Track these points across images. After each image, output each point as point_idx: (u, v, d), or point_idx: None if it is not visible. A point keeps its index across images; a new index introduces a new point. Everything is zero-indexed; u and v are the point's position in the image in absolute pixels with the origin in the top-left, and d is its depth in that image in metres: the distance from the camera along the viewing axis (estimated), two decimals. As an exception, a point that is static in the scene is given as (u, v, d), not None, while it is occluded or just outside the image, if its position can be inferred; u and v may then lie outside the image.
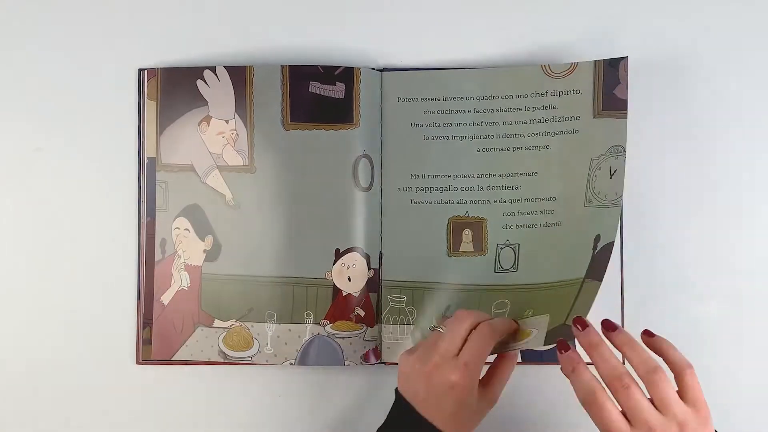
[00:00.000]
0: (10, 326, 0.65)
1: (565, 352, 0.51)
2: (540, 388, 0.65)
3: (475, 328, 0.54)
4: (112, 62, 0.65)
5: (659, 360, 0.50)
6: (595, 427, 0.49)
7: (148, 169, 0.64)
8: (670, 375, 0.49)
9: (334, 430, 0.65)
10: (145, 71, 0.64)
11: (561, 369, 0.51)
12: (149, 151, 0.64)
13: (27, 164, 0.65)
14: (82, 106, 0.66)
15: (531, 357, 0.64)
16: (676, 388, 0.49)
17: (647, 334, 0.52)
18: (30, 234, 0.65)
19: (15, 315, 0.65)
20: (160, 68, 0.64)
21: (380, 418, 0.64)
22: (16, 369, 0.65)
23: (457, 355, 0.53)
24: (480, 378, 0.54)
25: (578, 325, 0.52)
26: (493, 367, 0.57)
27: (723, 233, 0.65)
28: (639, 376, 0.49)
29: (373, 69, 0.65)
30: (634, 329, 0.63)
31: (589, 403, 0.48)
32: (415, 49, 0.66)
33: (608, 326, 0.52)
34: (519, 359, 0.62)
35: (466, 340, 0.53)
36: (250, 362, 0.63)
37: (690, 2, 0.65)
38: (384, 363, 0.64)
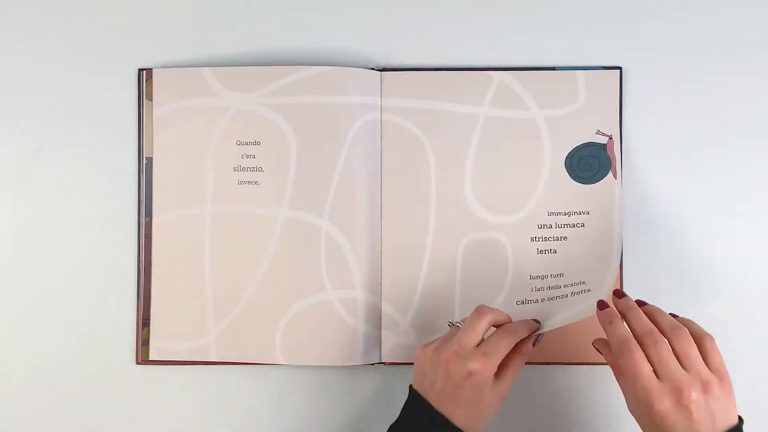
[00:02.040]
0: (9, 326, 0.65)
1: (603, 309, 0.55)
2: (544, 388, 0.65)
3: (495, 325, 0.57)
4: (112, 62, 0.65)
5: None
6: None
7: (147, 169, 0.64)
8: None
9: (334, 430, 0.65)
10: (145, 71, 0.64)
11: (599, 321, 0.55)
12: (148, 152, 0.64)
13: (27, 164, 0.65)
14: (82, 106, 0.65)
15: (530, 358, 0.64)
16: None
17: (673, 315, 0.56)
18: (29, 234, 0.65)
19: (15, 315, 0.65)
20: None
21: (380, 418, 0.64)
22: (15, 369, 0.65)
23: (476, 347, 0.54)
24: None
25: (616, 296, 0.57)
26: (506, 360, 0.56)
27: (723, 234, 0.65)
28: (663, 333, 0.52)
29: (373, 69, 0.65)
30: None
31: (621, 352, 0.52)
32: (416, 49, 0.66)
33: (639, 302, 0.56)
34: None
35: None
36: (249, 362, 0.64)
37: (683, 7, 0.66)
38: (384, 363, 0.64)
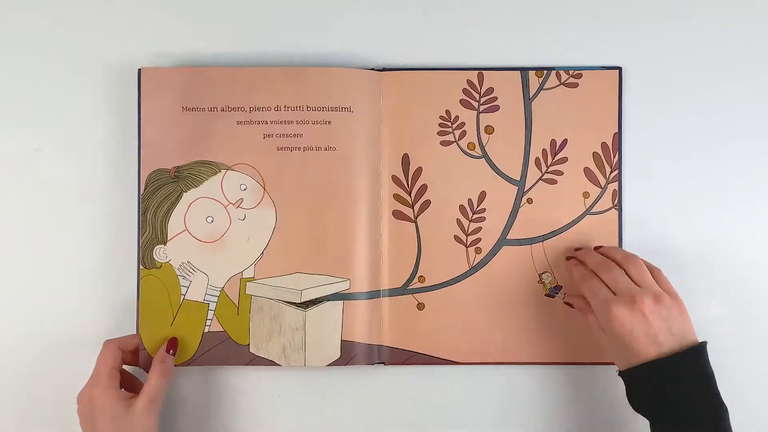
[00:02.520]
0: (9, 326, 0.65)
1: (568, 260, 0.63)
2: (544, 388, 0.65)
3: (128, 350, 0.62)
4: (112, 62, 0.65)
5: None
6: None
7: (140, 169, 0.64)
8: None
9: (334, 430, 0.65)
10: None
11: (566, 270, 0.63)
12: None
13: (27, 164, 0.65)
14: (82, 106, 0.65)
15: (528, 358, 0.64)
16: None
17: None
18: (29, 234, 0.65)
19: (14, 315, 0.65)
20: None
21: (380, 418, 0.64)
22: (16, 370, 0.65)
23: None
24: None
25: (576, 250, 0.64)
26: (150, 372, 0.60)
27: (723, 232, 0.65)
28: (618, 262, 0.59)
29: (373, 69, 0.65)
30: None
31: (582, 283, 0.59)
32: (416, 49, 0.66)
33: (596, 247, 0.63)
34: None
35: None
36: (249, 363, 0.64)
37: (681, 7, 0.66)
38: (384, 363, 0.64)
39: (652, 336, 0.54)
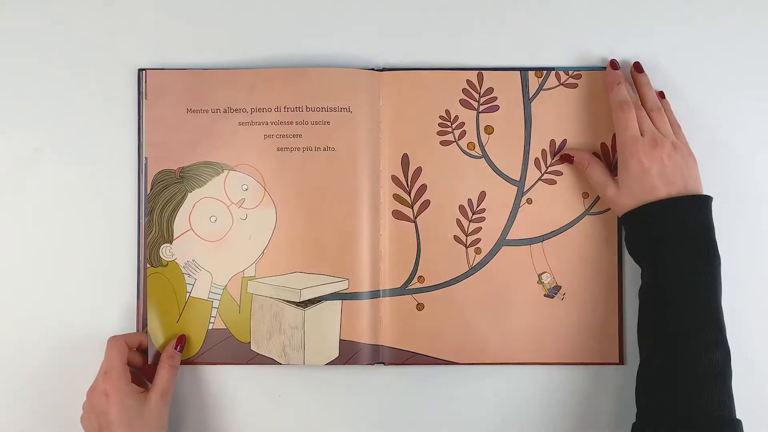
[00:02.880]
0: (9, 327, 0.65)
1: (614, 69, 0.64)
2: (544, 388, 0.65)
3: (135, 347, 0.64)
4: (112, 62, 0.65)
5: None
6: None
7: (146, 169, 0.64)
8: None
9: (334, 430, 0.65)
10: (145, 71, 0.64)
11: (607, 80, 0.64)
12: (148, 152, 0.64)
13: (26, 164, 0.65)
14: (82, 106, 0.65)
15: (525, 359, 0.64)
16: None
17: (661, 95, 0.64)
18: (29, 234, 0.65)
19: (15, 315, 0.65)
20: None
21: (379, 418, 0.64)
22: (16, 369, 0.65)
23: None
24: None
25: (612, 65, 0.64)
26: (158, 368, 0.62)
27: (722, 232, 0.65)
28: (646, 107, 0.62)
29: (373, 69, 0.65)
30: (632, 327, 0.63)
31: (619, 109, 0.61)
32: (416, 49, 0.66)
33: (637, 68, 0.65)
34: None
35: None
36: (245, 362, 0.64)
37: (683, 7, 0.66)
38: (383, 363, 0.64)
39: (665, 177, 0.58)
